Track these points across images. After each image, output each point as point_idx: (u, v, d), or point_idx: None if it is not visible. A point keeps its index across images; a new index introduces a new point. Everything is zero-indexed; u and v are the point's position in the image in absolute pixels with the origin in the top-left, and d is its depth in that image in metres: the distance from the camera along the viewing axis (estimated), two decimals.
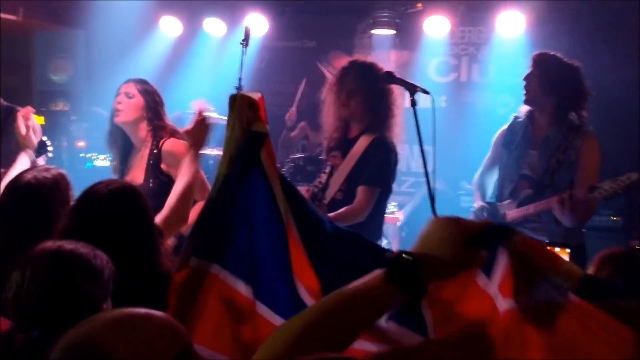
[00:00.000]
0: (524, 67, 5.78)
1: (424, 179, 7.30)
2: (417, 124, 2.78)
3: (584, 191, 2.94)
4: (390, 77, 2.89)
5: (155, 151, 3.02)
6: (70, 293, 1.50)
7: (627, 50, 4.95)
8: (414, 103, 2.80)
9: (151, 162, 3.01)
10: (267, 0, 5.95)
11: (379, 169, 3.09)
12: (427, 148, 6.86)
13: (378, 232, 3.24)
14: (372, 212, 3.08)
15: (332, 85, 3.22)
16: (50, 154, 4.04)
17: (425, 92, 2.80)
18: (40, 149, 3.87)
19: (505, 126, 3.45)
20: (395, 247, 5.89)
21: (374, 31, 5.99)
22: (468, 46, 6.14)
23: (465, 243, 1.06)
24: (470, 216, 3.55)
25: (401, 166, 6.70)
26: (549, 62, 3.21)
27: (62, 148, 5.66)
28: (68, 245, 1.54)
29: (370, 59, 3.35)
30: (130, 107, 3.06)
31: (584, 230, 3.30)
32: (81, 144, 5.92)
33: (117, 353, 0.96)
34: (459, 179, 5.56)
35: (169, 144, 3.01)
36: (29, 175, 2.02)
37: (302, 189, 5.10)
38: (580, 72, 3.22)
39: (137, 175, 3.06)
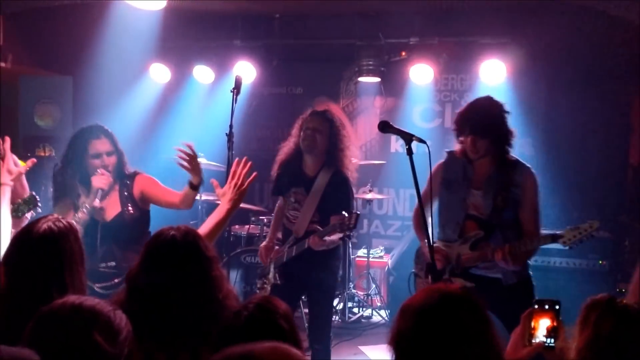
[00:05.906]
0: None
1: (409, 223, 7.24)
2: (414, 172, 2.78)
3: (528, 243, 3.04)
4: (386, 126, 2.92)
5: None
6: (86, 349, 1.49)
7: (605, 96, 5.14)
8: (410, 152, 2.83)
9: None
10: (256, 49, 6.07)
11: (346, 198, 3.69)
12: (412, 192, 6.89)
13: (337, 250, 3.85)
14: None
15: (300, 125, 3.80)
16: (39, 209, 3.98)
17: (422, 141, 2.83)
18: (30, 203, 3.82)
19: (441, 162, 3.42)
20: (383, 292, 5.89)
21: (359, 79, 6.13)
22: (451, 93, 6.31)
23: None
24: (418, 255, 3.47)
25: (387, 210, 6.81)
26: (481, 117, 3.22)
27: (48, 193, 5.60)
28: (90, 301, 1.54)
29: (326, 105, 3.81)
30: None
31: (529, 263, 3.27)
32: None
33: None
34: None
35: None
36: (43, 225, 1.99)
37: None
38: (505, 109, 3.26)
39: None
